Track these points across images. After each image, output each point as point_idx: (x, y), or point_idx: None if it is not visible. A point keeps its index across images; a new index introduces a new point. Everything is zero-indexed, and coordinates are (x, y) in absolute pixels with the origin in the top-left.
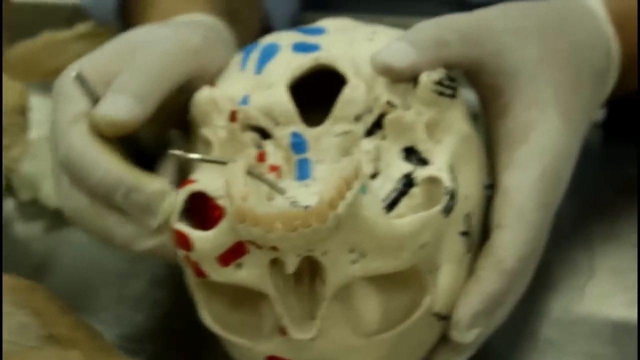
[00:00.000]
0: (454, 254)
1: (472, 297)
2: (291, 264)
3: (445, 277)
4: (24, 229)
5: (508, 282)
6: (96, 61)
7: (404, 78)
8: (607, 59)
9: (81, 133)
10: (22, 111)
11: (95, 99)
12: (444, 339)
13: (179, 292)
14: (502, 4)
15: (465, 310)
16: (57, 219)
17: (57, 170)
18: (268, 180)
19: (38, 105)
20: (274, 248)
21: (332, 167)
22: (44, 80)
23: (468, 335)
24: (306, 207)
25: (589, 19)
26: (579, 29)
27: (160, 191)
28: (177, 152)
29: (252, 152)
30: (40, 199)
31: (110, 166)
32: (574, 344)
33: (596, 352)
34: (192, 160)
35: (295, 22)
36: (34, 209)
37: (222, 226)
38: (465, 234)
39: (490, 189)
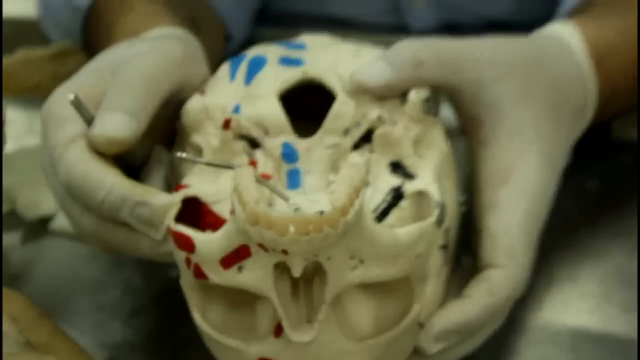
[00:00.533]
0: (434, 266)
1: (452, 314)
2: (297, 268)
3: (426, 287)
4: (3, 240)
5: (490, 316)
6: (81, 83)
7: (380, 95)
8: (585, 96)
9: (80, 153)
10: (0, 128)
11: (89, 120)
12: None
13: (155, 300)
14: (485, 36)
15: (440, 321)
16: (33, 229)
17: (60, 193)
18: (273, 186)
19: (13, 119)
20: (284, 251)
21: (342, 174)
22: (19, 95)
23: (433, 346)
24: (321, 213)
25: (569, 56)
26: (559, 66)
27: (167, 204)
28: (183, 155)
29: (244, 160)
30: (17, 210)
31: (114, 183)
32: (533, 349)
33: (554, 358)
34: (196, 163)
35: (251, 38)
36: (12, 220)
37: (227, 228)
38: (444, 247)
39: (464, 205)
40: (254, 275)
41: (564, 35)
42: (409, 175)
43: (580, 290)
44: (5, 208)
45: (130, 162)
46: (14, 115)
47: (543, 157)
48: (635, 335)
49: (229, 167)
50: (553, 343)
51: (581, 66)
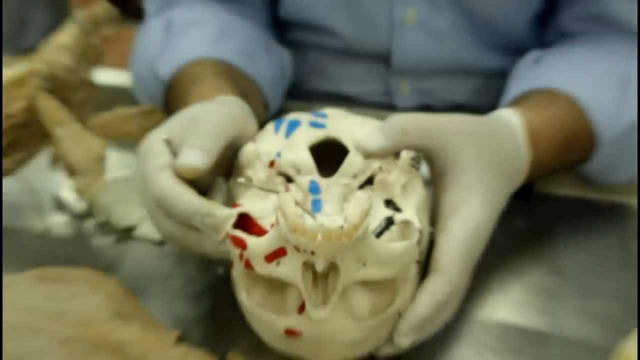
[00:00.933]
0: (411, 274)
1: (409, 318)
2: (320, 265)
3: (406, 288)
4: (100, 241)
5: (436, 309)
6: (170, 128)
7: (377, 157)
8: (520, 161)
9: (168, 177)
10: (101, 159)
11: (174, 154)
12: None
13: (207, 288)
14: (453, 114)
15: (403, 324)
16: (122, 235)
17: (150, 206)
18: (305, 207)
19: (111, 157)
20: (312, 252)
21: (355, 201)
22: (116, 139)
23: (405, 340)
24: (341, 227)
25: (510, 133)
26: (502, 139)
27: (226, 215)
28: (243, 180)
29: (282, 190)
30: (111, 221)
31: (190, 200)
32: (472, 336)
33: (487, 342)
34: (251, 188)
35: (281, 108)
36: (107, 227)
37: (272, 234)
38: (419, 262)
39: (431, 234)
40: (287, 268)
41: (507, 117)
42: (397, 209)
43: (509, 297)
44: (102, 219)
45: (200, 187)
46: (111, 154)
47: (485, 201)
48: (545, 328)
49: (274, 191)
50: (487, 332)
51: (518, 140)
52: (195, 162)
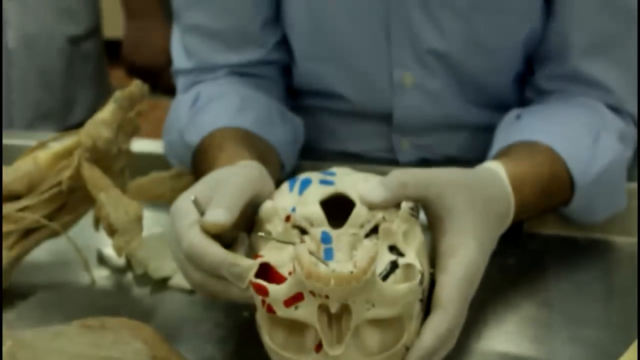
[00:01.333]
0: (416, 311)
1: (415, 351)
2: (334, 307)
3: (412, 324)
4: (138, 292)
5: (440, 342)
6: (198, 190)
7: (380, 208)
8: (507, 208)
9: (197, 233)
10: (139, 219)
11: (202, 213)
12: None
13: (233, 331)
14: (446, 167)
15: (411, 358)
16: (158, 285)
17: (181, 259)
18: (318, 256)
19: (146, 216)
20: (326, 296)
21: (363, 248)
22: (151, 201)
23: None
24: (351, 272)
25: (498, 182)
26: (490, 187)
27: (250, 265)
28: (263, 234)
29: (298, 241)
30: (148, 273)
31: (217, 252)
32: None
33: None
34: (270, 240)
35: (295, 167)
36: (144, 278)
37: (290, 282)
38: (421, 300)
39: (431, 274)
40: (305, 312)
41: (494, 169)
42: (401, 254)
43: (504, 329)
44: (140, 271)
45: (225, 241)
46: (146, 213)
47: (477, 243)
48: (539, 356)
49: (291, 243)
50: None
51: (504, 189)
52: (219, 219)
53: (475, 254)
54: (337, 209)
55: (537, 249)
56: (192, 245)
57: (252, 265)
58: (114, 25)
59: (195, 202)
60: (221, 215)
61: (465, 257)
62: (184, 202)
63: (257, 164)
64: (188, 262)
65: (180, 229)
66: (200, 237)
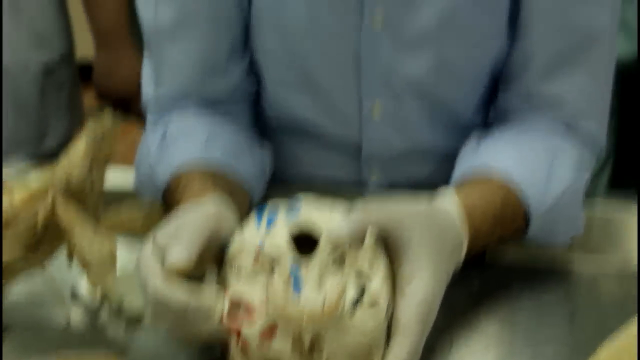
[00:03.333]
0: (382, 340)
1: None
2: (307, 340)
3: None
4: (113, 327)
5: None
6: (158, 235)
7: (346, 242)
8: (460, 238)
9: (159, 281)
10: (113, 254)
11: (162, 257)
12: None
13: None
14: (409, 195)
15: None
16: (133, 321)
17: (150, 310)
18: (288, 289)
19: (121, 250)
20: (300, 330)
21: (332, 283)
22: (125, 233)
23: None
24: (322, 309)
25: (450, 216)
26: (444, 221)
27: (216, 303)
28: (234, 269)
29: (267, 274)
30: (123, 308)
31: (180, 297)
32: None
33: None
34: (240, 274)
35: (265, 195)
36: (119, 314)
37: (263, 317)
38: (388, 327)
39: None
40: (279, 345)
41: (447, 199)
42: (367, 279)
43: (470, 349)
44: (115, 307)
45: (194, 277)
46: (120, 247)
47: (432, 274)
48: None
49: (261, 276)
50: None
51: (457, 222)
52: (180, 260)
53: (431, 280)
54: (306, 238)
55: (500, 275)
56: (155, 293)
57: (219, 302)
58: (86, 47)
59: (156, 248)
60: (180, 255)
61: (421, 282)
62: (146, 250)
63: (216, 198)
64: (155, 310)
65: (144, 280)
66: (162, 285)
